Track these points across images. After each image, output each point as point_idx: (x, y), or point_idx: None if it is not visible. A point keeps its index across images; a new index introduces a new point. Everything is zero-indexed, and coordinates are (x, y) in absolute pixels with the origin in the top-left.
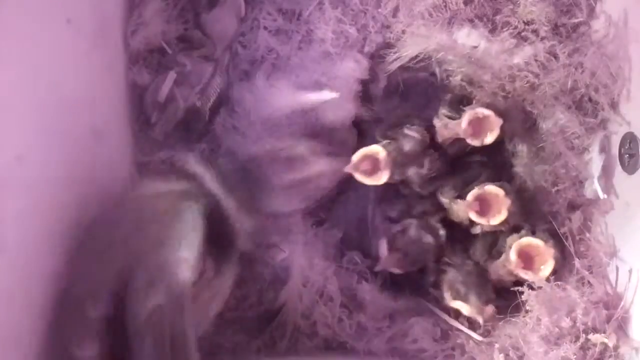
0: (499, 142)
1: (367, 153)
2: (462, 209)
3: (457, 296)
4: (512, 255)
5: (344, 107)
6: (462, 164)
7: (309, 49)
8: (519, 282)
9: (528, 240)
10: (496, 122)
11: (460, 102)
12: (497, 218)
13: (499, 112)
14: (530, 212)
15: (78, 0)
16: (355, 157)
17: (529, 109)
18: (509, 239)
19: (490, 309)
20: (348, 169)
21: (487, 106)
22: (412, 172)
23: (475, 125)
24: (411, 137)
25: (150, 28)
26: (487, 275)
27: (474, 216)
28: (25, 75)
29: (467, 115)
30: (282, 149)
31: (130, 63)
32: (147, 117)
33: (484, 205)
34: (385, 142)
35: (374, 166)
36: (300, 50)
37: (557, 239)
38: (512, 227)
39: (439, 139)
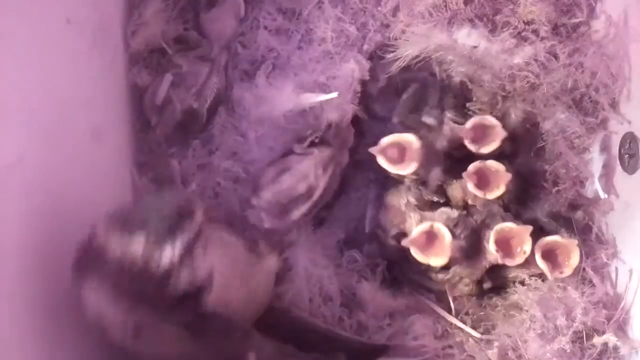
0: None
1: (398, 140)
2: (457, 188)
3: None
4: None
5: (344, 107)
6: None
7: (309, 48)
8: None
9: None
10: (500, 135)
11: (464, 105)
12: (495, 193)
13: (508, 129)
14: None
15: (78, 0)
16: (385, 141)
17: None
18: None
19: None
20: (374, 150)
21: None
22: (435, 173)
23: (478, 131)
24: (444, 131)
25: (150, 28)
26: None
27: (471, 188)
28: (25, 75)
29: (474, 119)
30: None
31: (130, 63)
32: (147, 119)
33: (483, 182)
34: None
35: (400, 154)
36: (300, 49)
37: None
38: (504, 206)
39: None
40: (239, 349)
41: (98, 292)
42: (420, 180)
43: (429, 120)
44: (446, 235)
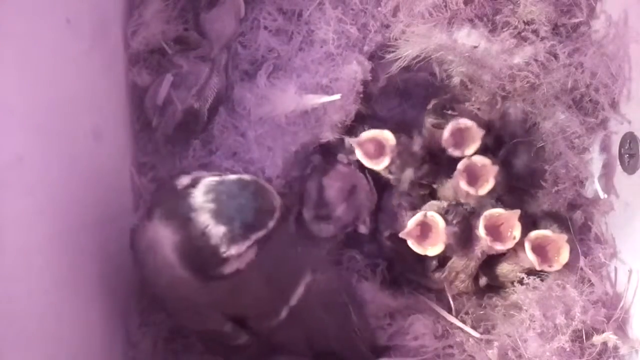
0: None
1: (377, 136)
2: (449, 188)
3: None
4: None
5: (346, 109)
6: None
7: (311, 49)
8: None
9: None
10: (477, 134)
11: (444, 107)
12: (485, 187)
13: (482, 124)
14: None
15: (78, 0)
16: (364, 136)
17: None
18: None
19: None
20: (352, 141)
21: (471, 118)
22: (408, 173)
23: (457, 136)
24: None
25: (150, 28)
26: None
27: (464, 185)
28: (25, 75)
29: (450, 126)
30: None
31: (130, 63)
32: (148, 119)
33: (472, 178)
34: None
35: (378, 151)
36: (301, 51)
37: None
38: (498, 198)
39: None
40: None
41: (167, 239)
42: (395, 179)
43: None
44: (439, 221)
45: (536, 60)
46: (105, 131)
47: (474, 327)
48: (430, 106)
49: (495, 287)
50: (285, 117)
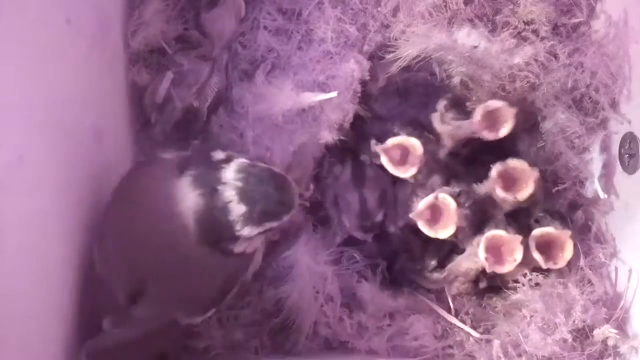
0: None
1: (403, 142)
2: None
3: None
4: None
5: (344, 107)
6: (474, 164)
7: (309, 48)
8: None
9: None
10: (509, 112)
11: (462, 103)
12: (525, 192)
13: (511, 103)
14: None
15: (78, 0)
16: (390, 142)
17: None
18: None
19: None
20: (378, 148)
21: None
22: (435, 179)
23: (487, 119)
24: (447, 131)
25: (150, 28)
26: None
27: (500, 192)
28: (25, 75)
29: (479, 110)
30: None
31: (130, 63)
32: (147, 117)
33: (508, 183)
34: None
35: (402, 157)
36: (300, 49)
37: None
38: (533, 201)
39: (449, 142)
40: None
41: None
42: (419, 184)
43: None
44: (451, 203)
45: (536, 60)
46: (105, 131)
47: (474, 327)
48: (442, 106)
49: (496, 287)
50: (282, 115)
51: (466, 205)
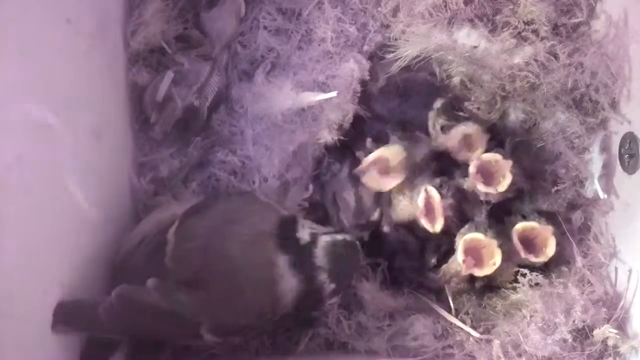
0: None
1: (380, 156)
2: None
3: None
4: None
5: (343, 107)
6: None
7: (309, 48)
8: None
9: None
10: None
11: (453, 108)
12: (504, 183)
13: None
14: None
15: (78, 0)
16: (366, 161)
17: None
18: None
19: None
20: (357, 171)
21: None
22: (421, 178)
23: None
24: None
25: (150, 28)
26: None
27: (481, 187)
28: (25, 75)
29: (455, 132)
30: None
31: (129, 63)
32: (147, 116)
33: (487, 177)
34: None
35: (384, 169)
36: (300, 49)
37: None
38: (518, 190)
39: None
40: None
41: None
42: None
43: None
44: (435, 195)
45: (536, 60)
46: (105, 131)
47: (474, 327)
48: (438, 106)
49: (494, 287)
50: (282, 114)
51: (449, 194)
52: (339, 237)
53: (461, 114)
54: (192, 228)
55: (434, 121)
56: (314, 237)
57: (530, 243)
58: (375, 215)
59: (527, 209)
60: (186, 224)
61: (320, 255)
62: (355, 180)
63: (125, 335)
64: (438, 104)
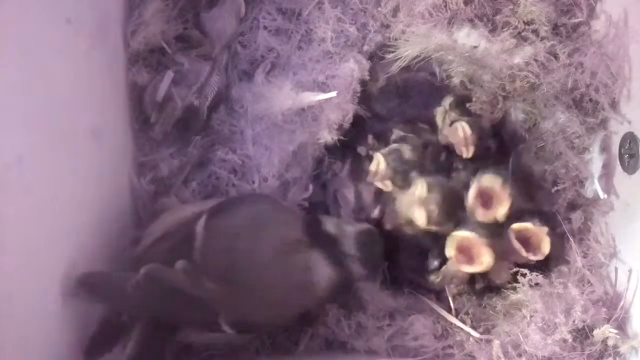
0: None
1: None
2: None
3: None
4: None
5: (343, 107)
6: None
7: (309, 48)
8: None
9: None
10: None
11: (464, 102)
12: (501, 210)
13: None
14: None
15: (78, 0)
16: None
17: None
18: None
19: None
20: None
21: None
22: (413, 174)
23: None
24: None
25: (150, 28)
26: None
27: (480, 216)
28: (25, 75)
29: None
30: None
31: (129, 63)
32: (147, 116)
33: (487, 200)
34: (385, 151)
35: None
36: (300, 49)
37: (557, 237)
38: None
39: (445, 139)
40: None
41: None
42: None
43: (424, 125)
44: (422, 190)
45: (536, 60)
46: (105, 131)
47: (474, 327)
48: (449, 102)
49: (494, 287)
50: (282, 114)
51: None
52: (362, 226)
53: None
54: (220, 226)
55: (445, 115)
56: (340, 229)
57: (525, 242)
58: (376, 213)
59: (526, 208)
60: (215, 220)
61: (348, 244)
62: (356, 177)
63: (147, 313)
64: (448, 100)
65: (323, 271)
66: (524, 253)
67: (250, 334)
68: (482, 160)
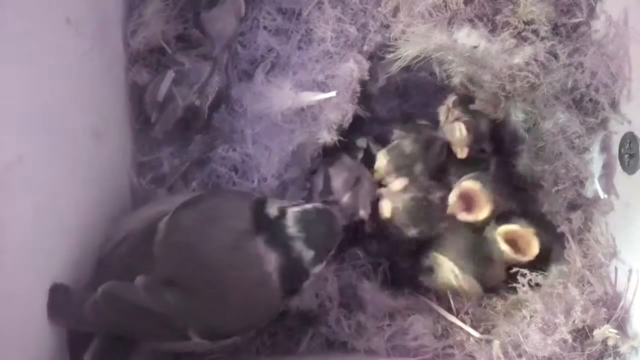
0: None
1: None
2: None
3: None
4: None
5: (343, 107)
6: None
7: (309, 48)
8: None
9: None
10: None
11: (467, 101)
12: (482, 213)
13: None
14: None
15: (78, 0)
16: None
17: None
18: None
19: (473, 283)
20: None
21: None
22: (418, 168)
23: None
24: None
25: (150, 28)
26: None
27: (462, 217)
28: (25, 75)
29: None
30: None
31: (130, 63)
32: (147, 116)
33: (468, 202)
34: (386, 149)
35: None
36: (299, 49)
37: (557, 238)
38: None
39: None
40: None
41: None
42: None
43: (423, 121)
44: (395, 185)
45: (536, 60)
46: (105, 131)
47: (474, 327)
48: (450, 101)
49: (493, 288)
50: (282, 114)
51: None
52: (309, 205)
53: (473, 107)
54: (180, 221)
55: (448, 113)
56: (282, 211)
57: (513, 244)
58: (346, 198)
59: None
60: (177, 215)
61: (291, 225)
62: (327, 162)
63: (109, 332)
64: (452, 98)
65: (269, 257)
66: (513, 255)
67: (224, 339)
68: (474, 164)
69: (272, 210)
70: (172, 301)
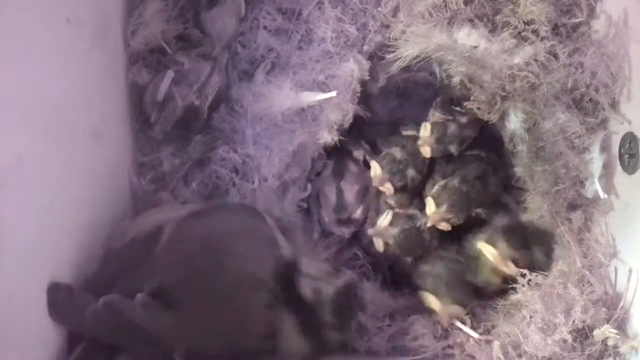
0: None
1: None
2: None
3: (434, 290)
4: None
5: (343, 107)
6: (460, 158)
7: (309, 48)
8: (507, 283)
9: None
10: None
11: (451, 103)
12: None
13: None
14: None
15: (78, 0)
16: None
17: None
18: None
19: (455, 308)
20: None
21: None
22: (410, 173)
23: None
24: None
25: (150, 28)
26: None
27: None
28: (25, 75)
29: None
30: None
31: (130, 63)
32: (147, 116)
33: None
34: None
35: None
36: (299, 49)
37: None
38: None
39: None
40: None
41: None
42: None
43: (408, 132)
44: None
45: (536, 60)
46: (104, 131)
47: (473, 327)
48: (437, 101)
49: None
50: (282, 114)
51: (397, 227)
52: (340, 282)
53: (457, 108)
54: (188, 229)
55: (431, 114)
56: (317, 293)
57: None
58: (358, 213)
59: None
60: (190, 220)
61: (326, 313)
62: (338, 174)
63: (100, 339)
64: (438, 100)
65: (292, 338)
66: (500, 264)
67: None
68: (465, 162)
69: (307, 290)
70: (166, 322)
